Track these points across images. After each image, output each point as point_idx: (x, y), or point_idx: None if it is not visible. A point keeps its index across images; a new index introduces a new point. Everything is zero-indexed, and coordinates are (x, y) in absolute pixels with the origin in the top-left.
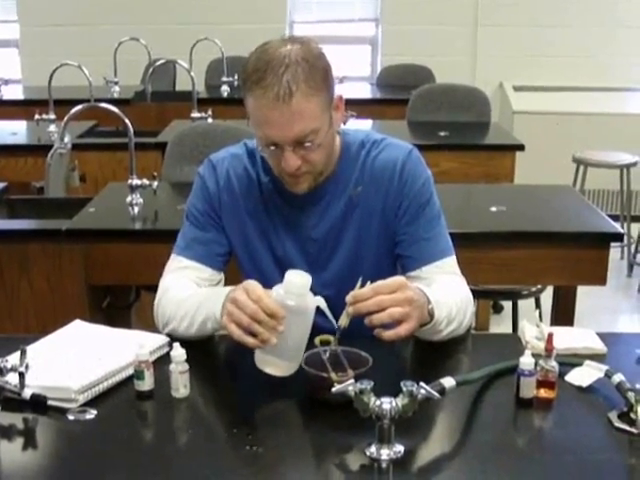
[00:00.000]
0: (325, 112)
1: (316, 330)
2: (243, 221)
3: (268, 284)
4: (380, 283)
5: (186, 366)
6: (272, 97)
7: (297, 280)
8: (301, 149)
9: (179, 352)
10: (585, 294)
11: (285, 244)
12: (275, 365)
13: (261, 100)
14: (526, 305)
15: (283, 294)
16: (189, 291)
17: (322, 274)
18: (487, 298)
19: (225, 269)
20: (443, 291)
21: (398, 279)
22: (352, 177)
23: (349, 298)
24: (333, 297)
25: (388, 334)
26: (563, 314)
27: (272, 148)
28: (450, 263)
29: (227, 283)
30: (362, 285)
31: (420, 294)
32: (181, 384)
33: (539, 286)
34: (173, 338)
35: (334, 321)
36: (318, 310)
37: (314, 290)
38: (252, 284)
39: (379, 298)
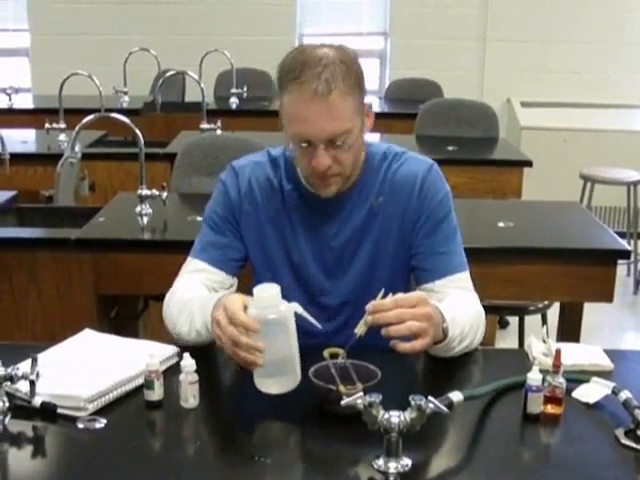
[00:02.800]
0: (358, 115)
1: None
2: (262, 228)
3: (282, 291)
4: (401, 296)
5: (195, 377)
6: (310, 92)
7: (266, 294)
8: (333, 148)
9: (189, 362)
10: (591, 310)
11: (303, 251)
12: (276, 383)
13: (298, 95)
14: (532, 321)
15: (257, 312)
16: (193, 294)
17: (338, 282)
18: (494, 313)
19: (239, 274)
20: (457, 308)
21: (419, 294)
22: (374, 187)
23: (369, 307)
24: (347, 306)
25: (404, 347)
26: (569, 330)
27: (304, 145)
28: (463, 278)
29: (241, 288)
30: (383, 296)
31: (437, 312)
32: (190, 394)
33: (546, 302)
34: (183, 348)
35: (316, 322)
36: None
37: (330, 297)
38: (230, 300)
39: (400, 311)
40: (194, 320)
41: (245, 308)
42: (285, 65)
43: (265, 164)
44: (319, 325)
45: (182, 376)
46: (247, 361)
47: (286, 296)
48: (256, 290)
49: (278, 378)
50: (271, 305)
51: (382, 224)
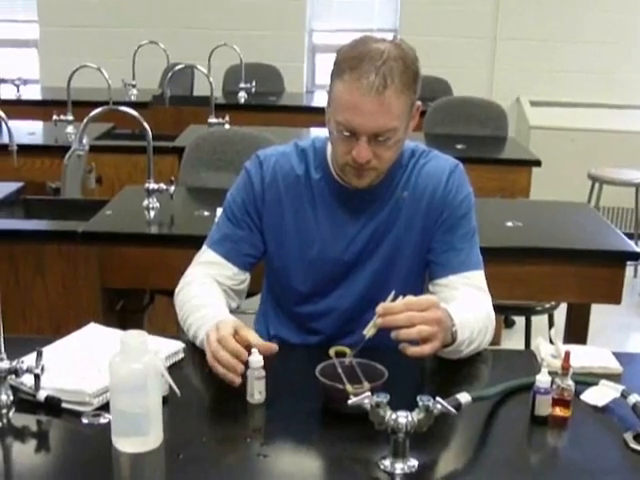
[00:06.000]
0: (406, 114)
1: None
2: (283, 219)
3: (294, 282)
4: (412, 299)
5: (262, 372)
6: (366, 85)
7: (133, 341)
8: (375, 143)
9: (257, 358)
10: (597, 311)
11: (324, 244)
12: (134, 442)
13: (354, 84)
14: (539, 321)
15: (121, 359)
16: (198, 299)
17: (357, 274)
18: (500, 313)
19: (252, 270)
20: (467, 311)
21: (430, 298)
22: (400, 182)
23: (379, 309)
24: (363, 299)
25: (413, 350)
26: (576, 331)
27: (346, 134)
28: (477, 276)
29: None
30: (394, 299)
31: (447, 316)
32: (256, 390)
33: (553, 303)
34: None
35: (175, 388)
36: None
37: (345, 293)
38: (224, 324)
39: (410, 314)
40: (190, 330)
41: (235, 333)
42: (345, 52)
43: (291, 154)
44: (178, 392)
45: (249, 371)
46: (226, 377)
47: (298, 287)
48: (123, 336)
49: (136, 435)
50: (137, 353)
51: (406, 218)
